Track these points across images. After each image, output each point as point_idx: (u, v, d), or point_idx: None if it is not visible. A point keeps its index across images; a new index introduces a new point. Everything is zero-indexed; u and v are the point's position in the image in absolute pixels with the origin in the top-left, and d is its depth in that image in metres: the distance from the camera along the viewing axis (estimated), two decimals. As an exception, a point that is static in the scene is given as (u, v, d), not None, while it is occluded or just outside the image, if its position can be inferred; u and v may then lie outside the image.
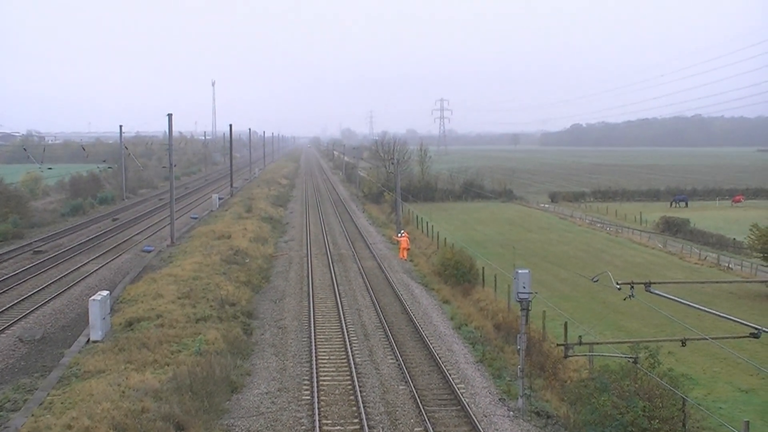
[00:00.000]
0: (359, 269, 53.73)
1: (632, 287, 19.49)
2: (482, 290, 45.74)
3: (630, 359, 24.36)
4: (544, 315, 35.28)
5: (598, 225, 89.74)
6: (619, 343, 30.31)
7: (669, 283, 28.82)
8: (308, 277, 50.24)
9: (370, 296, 44.63)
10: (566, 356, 25.32)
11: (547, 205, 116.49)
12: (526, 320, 26.52)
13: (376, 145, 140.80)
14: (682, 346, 23.05)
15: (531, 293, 25.83)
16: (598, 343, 28.56)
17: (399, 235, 61.36)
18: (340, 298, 43.76)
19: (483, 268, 47.88)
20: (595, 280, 21.89)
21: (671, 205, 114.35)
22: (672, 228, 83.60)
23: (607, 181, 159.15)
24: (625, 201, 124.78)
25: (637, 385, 23.83)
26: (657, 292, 19.97)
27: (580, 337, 26.39)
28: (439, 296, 45.51)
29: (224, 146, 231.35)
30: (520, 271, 25.84)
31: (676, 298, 20.99)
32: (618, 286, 19.62)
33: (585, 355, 28.00)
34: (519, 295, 25.81)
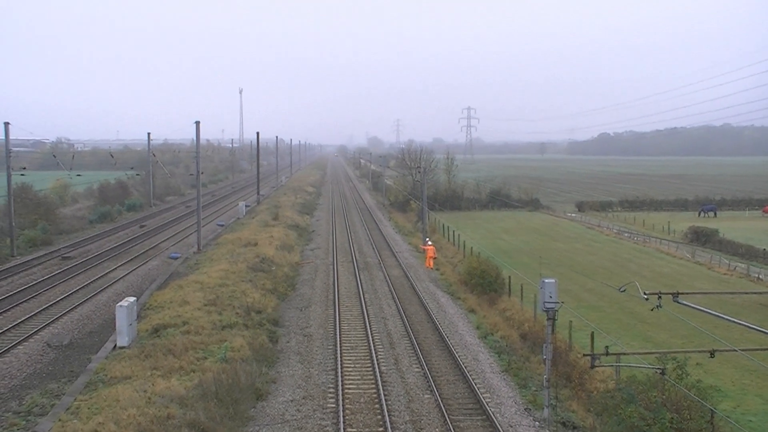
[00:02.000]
0: (385, 277, 53.76)
1: (660, 297, 19.32)
2: (508, 300, 45.54)
3: (657, 370, 24.13)
4: (570, 325, 35.04)
5: (626, 235, 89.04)
6: (646, 353, 30.04)
7: (697, 293, 28.54)
8: (334, 285, 50.33)
9: (396, 304, 44.62)
10: (593, 366, 25.13)
11: (573, 215, 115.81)
12: (552, 330, 26.36)
13: (402, 153, 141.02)
14: (711, 357, 22.80)
15: (557, 303, 25.67)
16: (624, 354, 28.32)
17: (426, 243, 61.33)
18: (366, 307, 43.76)
19: (509, 277, 47.70)
20: (622, 290, 21.72)
21: (699, 214, 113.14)
22: (700, 238, 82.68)
23: (635, 190, 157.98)
24: (652, 210, 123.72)
25: (664, 397, 23.59)
26: (685, 302, 19.78)
27: (606, 347, 26.19)
28: (465, 305, 45.40)
29: (251, 154, 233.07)
30: (546, 281, 25.69)
31: (705, 309, 20.77)
32: (645, 297, 19.46)
33: (611, 365, 27.76)
34: (545, 304, 25.65)
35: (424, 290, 49.42)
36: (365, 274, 55.24)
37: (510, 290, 47.04)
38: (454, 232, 74.34)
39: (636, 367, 26.71)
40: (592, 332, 31.69)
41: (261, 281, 47.88)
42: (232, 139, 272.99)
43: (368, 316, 41.37)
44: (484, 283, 47.53)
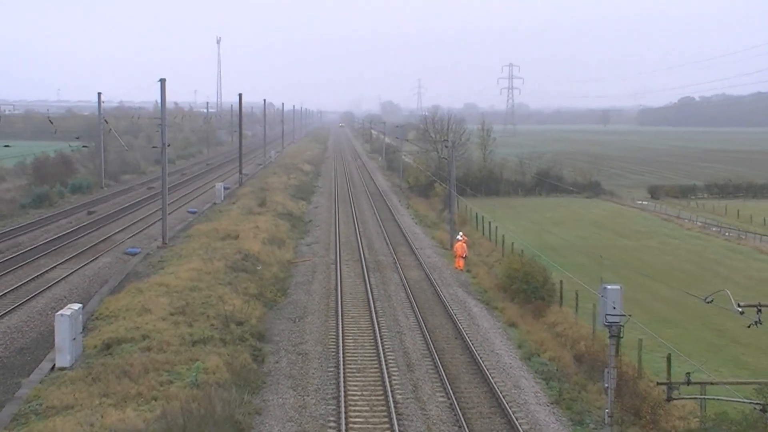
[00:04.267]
0: (401, 281, 53.82)
1: (759, 311, 19.22)
2: (559, 311, 45.51)
3: (756, 406, 24.00)
4: (640, 344, 34.93)
5: (713, 229, 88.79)
6: (740, 384, 29.87)
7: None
8: (336, 290, 50.41)
9: (415, 316, 44.65)
10: (669, 399, 25.04)
11: (645, 203, 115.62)
12: (617, 351, 26.27)
13: (425, 122, 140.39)
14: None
15: (623, 316, 25.58)
16: (712, 384, 28.19)
17: (457, 238, 61.19)
18: (377, 318, 43.79)
19: (560, 282, 47.59)
20: (708, 300, 21.61)
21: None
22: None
23: (727, 171, 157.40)
24: (750, 198, 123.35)
25: (765, 440, 23.44)
26: (793, 317, 19.65)
27: (687, 374, 26.06)
28: (503, 317, 45.44)
29: (232, 122, 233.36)
30: (608, 288, 25.61)
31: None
32: (740, 309, 19.36)
33: (694, 398, 27.65)
34: (607, 318, 25.57)
35: (452, 297, 49.47)
36: (376, 277, 55.36)
37: (561, 299, 46.97)
38: (490, 223, 74.16)
39: (727, 401, 26.57)
40: (669, 354, 31.57)
41: (243, 284, 48.00)
42: (208, 103, 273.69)
43: (380, 329, 41.40)
44: (528, 290, 47.54)
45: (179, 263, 53.12)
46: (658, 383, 27.33)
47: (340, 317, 43.73)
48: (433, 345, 38.78)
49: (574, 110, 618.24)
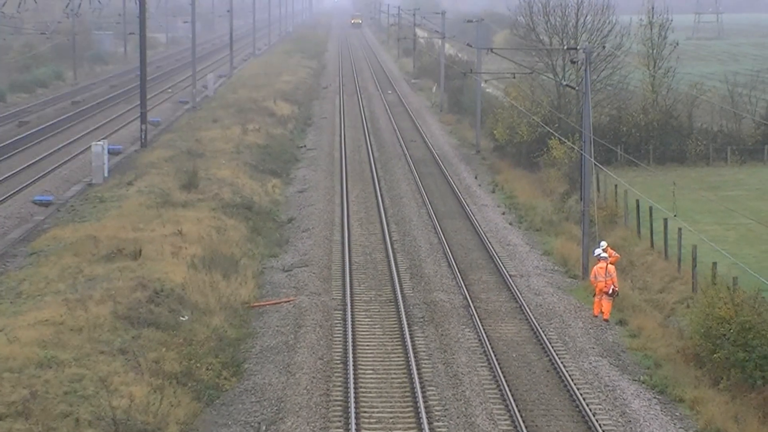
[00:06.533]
0: (482, 344, 52.65)
1: None
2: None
3: None
4: None
5: None
6: None
7: None
8: (346, 365, 49.36)
9: (512, 418, 43.24)
10: None
11: None
12: None
13: (527, 12, 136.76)
14: None
15: None
16: None
17: (597, 254, 59.48)
18: (430, 422, 42.57)
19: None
20: None
21: None
22: None
23: None
24: None
25: None
26: None
27: None
28: (697, 420, 44.24)
29: (124, 16, 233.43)
30: None
31: None
32: None
33: None
34: None
35: (587, 377, 48.68)
36: (428, 336, 54.52)
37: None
38: (666, 221, 72.65)
39: None
40: None
41: (152, 353, 47.28)
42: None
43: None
44: (749, 362, 46.59)
45: (17, 309, 52.57)
46: None
47: (353, 422, 42.49)
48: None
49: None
